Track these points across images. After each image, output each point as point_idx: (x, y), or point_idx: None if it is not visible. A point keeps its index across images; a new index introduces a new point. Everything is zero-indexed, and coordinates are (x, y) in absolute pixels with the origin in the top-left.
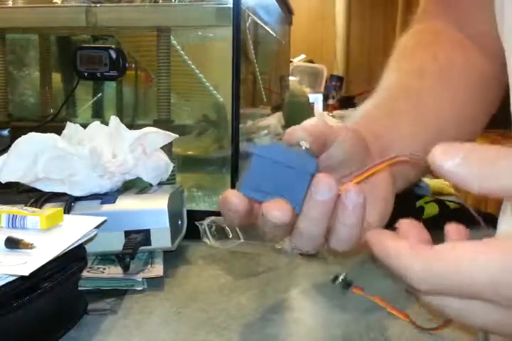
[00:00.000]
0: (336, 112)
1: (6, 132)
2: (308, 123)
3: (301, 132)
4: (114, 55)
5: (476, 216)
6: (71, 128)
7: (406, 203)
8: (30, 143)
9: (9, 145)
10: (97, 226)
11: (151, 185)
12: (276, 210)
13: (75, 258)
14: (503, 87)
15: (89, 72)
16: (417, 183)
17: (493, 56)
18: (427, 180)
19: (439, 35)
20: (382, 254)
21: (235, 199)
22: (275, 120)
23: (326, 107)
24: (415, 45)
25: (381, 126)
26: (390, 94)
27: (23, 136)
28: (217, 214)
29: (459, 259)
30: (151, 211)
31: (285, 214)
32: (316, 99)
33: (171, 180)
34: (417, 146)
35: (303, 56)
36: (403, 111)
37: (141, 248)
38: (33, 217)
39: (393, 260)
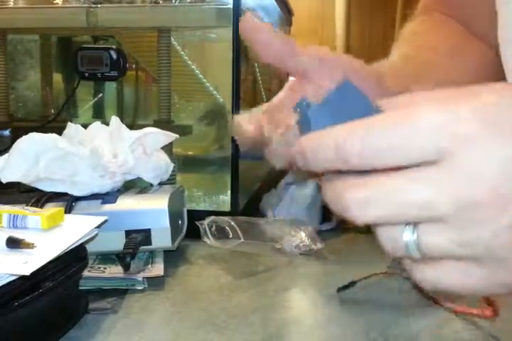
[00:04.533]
0: None
1: (7, 132)
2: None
3: None
4: (114, 56)
5: None
6: (72, 128)
7: None
8: (32, 143)
9: (10, 146)
10: (98, 226)
11: (151, 185)
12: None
13: (75, 257)
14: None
15: (90, 73)
16: None
17: (497, 50)
18: None
19: (445, 23)
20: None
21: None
22: None
23: None
24: (425, 29)
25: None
26: (403, 63)
27: (24, 137)
28: (217, 214)
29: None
30: (152, 211)
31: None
32: None
33: (171, 180)
34: None
35: None
36: (415, 83)
37: (142, 247)
38: (34, 216)
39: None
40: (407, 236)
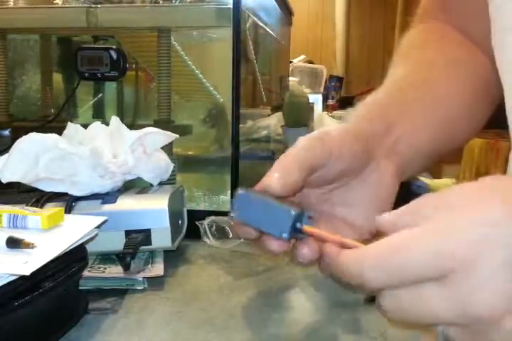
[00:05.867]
0: (336, 112)
1: (7, 132)
2: (283, 165)
3: (276, 186)
4: (114, 56)
5: None
6: (72, 128)
7: (404, 202)
8: (32, 143)
9: (10, 146)
10: (98, 226)
11: (151, 185)
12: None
13: (75, 257)
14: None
15: (90, 73)
16: (415, 182)
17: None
18: (426, 180)
19: (444, 33)
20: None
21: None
22: (275, 120)
23: (326, 107)
24: (422, 41)
25: (394, 115)
26: (398, 85)
27: (24, 136)
28: (217, 214)
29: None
30: (152, 211)
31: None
32: (316, 99)
33: (171, 180)
34: (426, 139)
35: (303, 57)
36: (413, 101)
37: (142, 247)
38: (34, 216)
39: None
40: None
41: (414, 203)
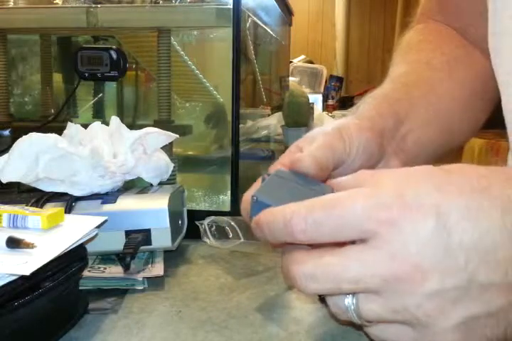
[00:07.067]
0: (336, 112)
1: (7, 132)
2: (315, 148)
3: (308, 163)
4: (114, 56)
5: None
6: (72, 128)
7: None
8: (31, 143)
9: (10, 146)
10: (98, 226)
11: (151, 184)
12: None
13: (75, 257)
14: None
15: (90, 73)
16: None
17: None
18: None
19: (442, 33)
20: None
21: None
22: (275, 120)
23: (326, 107)
24: (421, 40)
25: (403, 110)
26: (403, 81)
27: (24, 137)
28: (217, 214)
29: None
30: (152, 211)
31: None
32: (316, 99)
33: (171, 180)
34: (430, 137)
35: (303, 57)
36: (418, 98)
37: (142, 247)
38: (34, 216)
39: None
40: (348, 303)
41: (361, 171)
